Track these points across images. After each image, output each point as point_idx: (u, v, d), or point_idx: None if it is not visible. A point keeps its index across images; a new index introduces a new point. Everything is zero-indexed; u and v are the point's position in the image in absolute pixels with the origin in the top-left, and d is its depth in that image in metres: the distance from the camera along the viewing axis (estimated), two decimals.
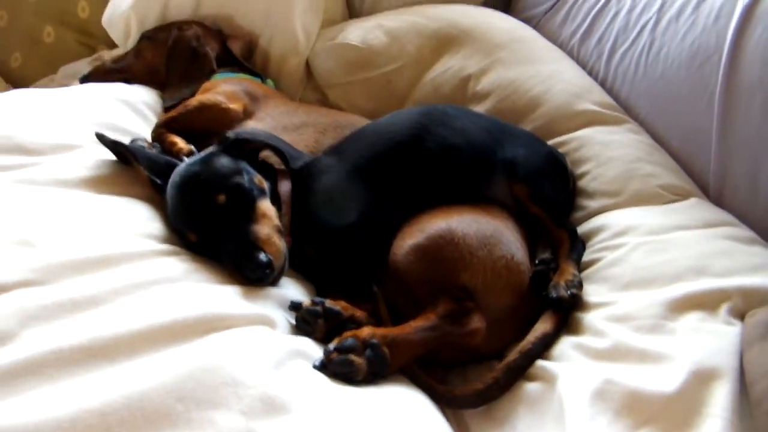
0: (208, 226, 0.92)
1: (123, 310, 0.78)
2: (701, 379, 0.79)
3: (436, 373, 0.94)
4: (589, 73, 1.36)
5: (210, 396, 0.68)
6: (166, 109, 1.39)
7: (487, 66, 1.36)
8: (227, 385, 0.70)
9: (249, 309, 0.83)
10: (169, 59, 1.43)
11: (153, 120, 1.34)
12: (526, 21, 1.53)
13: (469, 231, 0.94)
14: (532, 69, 1.33)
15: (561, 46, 1.44)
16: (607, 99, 1.28)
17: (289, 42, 1.52)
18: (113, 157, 1.10)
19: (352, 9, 1.71)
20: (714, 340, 0.84)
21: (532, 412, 0.84)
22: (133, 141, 1.16)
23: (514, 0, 1.67)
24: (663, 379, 0.79)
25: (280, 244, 0.92)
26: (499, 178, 1.08)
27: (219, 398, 0.68)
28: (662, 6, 1.25)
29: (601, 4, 1.38)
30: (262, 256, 0.87)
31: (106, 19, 1.61)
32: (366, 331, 0.84)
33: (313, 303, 0.88)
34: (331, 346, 0.82)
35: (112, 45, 1.83)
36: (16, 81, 1.92)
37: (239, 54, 1.50)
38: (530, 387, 0.87)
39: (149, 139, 1.23)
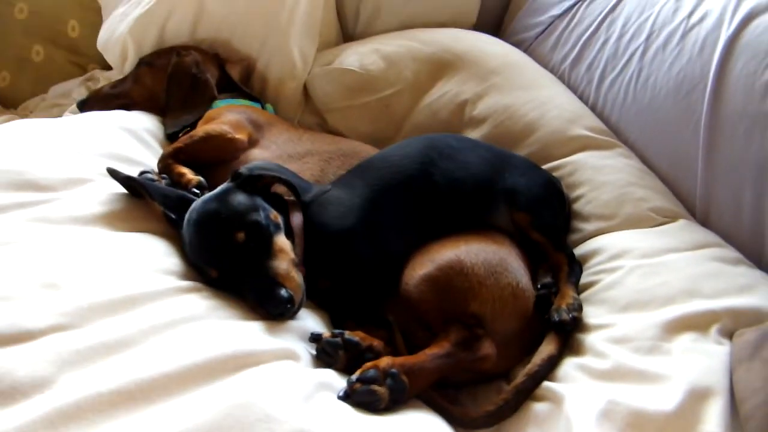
0: (228, 262, 0.96)
1: (155, 351, 0.81)
2: (697, 398, 0.85)
3: (448, 394, 0.99)
4: (580, 98, 1.43)
5: None
6: (168, 136, 1.41)
7: (483, 91, 1.42)
8: (262, 422, 0.74)
9: (274, 344, 0.87)
10: (169, 86, 1.45)
11: (156, 148, 1.37)
12: (517, 44, 1.59)
13: (477, 261, 1.00)
14: (527, 95, 1.39)
15: (552, 70, 1.50)
16: (599, 124, 1.35)
17: (287, 66, 1.55)
18: (124, 191, 1.13)
19: (345, 31, 1.75)
20: (706, 359, 0.91)
21: (541, 431, 0.90)
22: (142, 174, 1.18)
23: (504, 23, 1.72)
24: (662, 399, 0.85)
25: (298, 278, 0.96)
26: (501, 207, 1.13)
27: None
28: (650, 35, 1.31)
29: (590, 31, 1.44)
30: (284, 292, 0.91)
31: (101, 42, 1.62)
32: (385, 361, 0.89)
33: (333, 335, 0.93)
34: (354, 377, 0.86)
35: (104, 64, 1.83)
36: (5, 100, 1.92)
37: (238, 79, 1.53)
38: (538, 407, 0.92)
39: (156, 168, 1.26)
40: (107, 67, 1.83)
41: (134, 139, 1.32)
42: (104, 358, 0.79)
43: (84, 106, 1.51)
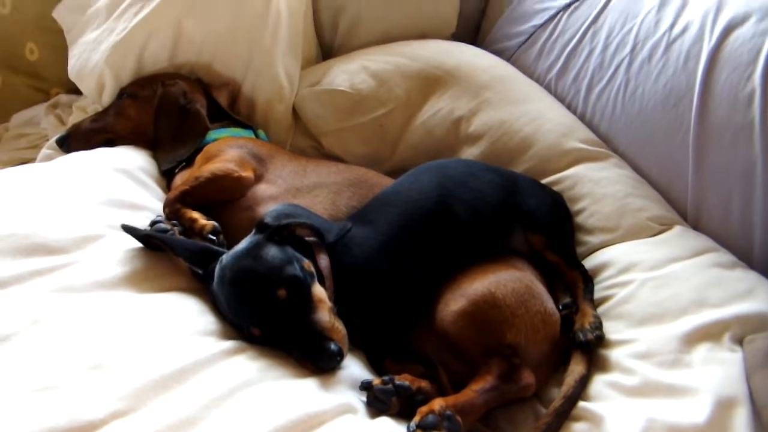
0: (271, 320, 0.96)
1: (220, 426, 0.81)
2: (724, 408, 0.93)
3: (488, 422, 1.04)
4: (568, 108, 1.47)
5: None
6: (163, 173, 1.37)
7: (476, 107, 1.44)
8: None
9: (333, 400, 0.89)
10: (157, 119, 1.40)
11: (154, 187, 1.32)
12: (498, 53, 1.61)
13: (507, 291, 1.03)
14: (519, 109, 1.42)
15: (537, 80, 1.54)
16: (591, 136, 1.40)
17: (274, 87, 1.51)
18: (138, 244, 1.10)
19: (323, 45, 1.72)
20: (725, 369, 0.99)
21: None
22: (153, 224, 1.14)
23: (482, 31, 1.74)
24: (693, 412, 0.93)
25: (342, 328, 0.97)
26: (516, 230, 1.18)
27: None
28: (634, 47, 1.37)
29: (574, 42, 1.48)
30: (333, 346, 0.93)
31: (73, 72, 1.53)
32: (438, 404, 0.92)
33: (384, 382, 0.95)
34: (413, 424, 0.89)
35: (68, 87, 1.74)
36: None
37: (226, 105, 1.49)
38: (577, 427, 0.98)
39: (161, 212, 1.22)
40: (72, 91, 1.74)
41: (131, 181, 1.28)
42: None
43: (64, 143, 1.43)
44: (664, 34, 1.35)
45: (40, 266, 1.01)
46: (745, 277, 1.14)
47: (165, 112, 1.39)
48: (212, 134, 1.39)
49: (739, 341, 1.04)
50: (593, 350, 1.07)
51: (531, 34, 1.58)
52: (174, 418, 0.80)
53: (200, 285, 1.06)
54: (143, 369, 0.86)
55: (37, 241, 1.04)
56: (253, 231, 1.04)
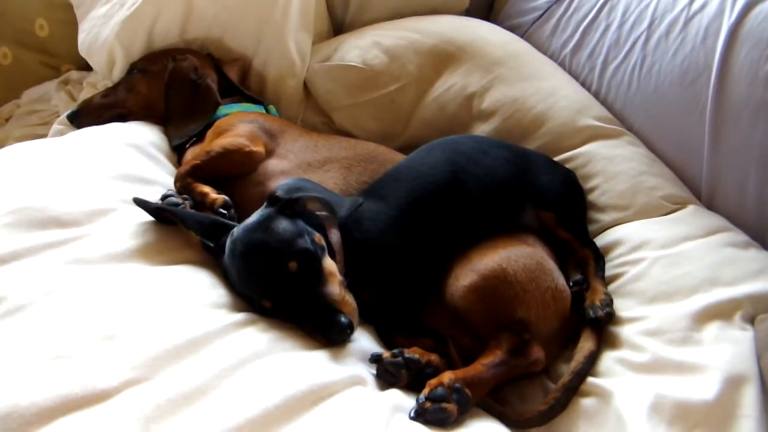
0: (282, 292, 0.96)
1: (232, 395, 0.82)
2: (734, 385, 0.93)
3: (498, 396, 1.04)
4: (582, 85, 1.45)
5: None
6: (174, 148, 1.37)
7: (489, 83, 1.42)
8: None
9: (343, 372, 0.89)
10: (168, 94, 1.39)
11: (165, 162, 1.32)
12: (512, 29, 1.59)
13: (518, 267, 1.03)
14: (533, 86, 1.40)
15: (552, 56, 1.52)
16: (605, 113, 1.39)
17: (285, 63, 1.51)
18: (149, 218, 1.10)
19: (335, 21, 1.71)
20: (735, 347, 0.98)
21: (592, 426, 0.96)
22: (164, 198, 1.14)
23: (496, 8, 1.71)
24: (702, 388, 0.93)
25: (352, 301, 0.97)
26: (527, 206, 1.17)
27: None
28: (651, 23, 1.34)
29: (590, 17, 1.46)
30: (343, 319, 0.93)
31: (83, 47, 1.52)
32: (448, 377, 0.93)
33: (394, 355, 0.95)
34: (423, 396, 0.90)
35: (79, 63, 1.74)
36: None
37: (237, 80, 1.48)
38: (586, 402, 0.99)
39: (172, 187, 1.22)
40: (83, 67, 1.74)
41: (143, 156, 1.28)
42: (186, 409, 0.79)
43: (75, 118, 1.44)
44: (682, 9, 1.32)
45: (53, 239, 1.01)
46: (758, 257, 1.13)
47: (176, 87, 1.39)
48: (223, 109, 1.39)
49: (751, 320, 1.03)
50: (603, 327, 1.07)
51: (546, 10, 1.55)
52: (186, 387, 0.81)
53: (211, 258, 1.06)
54: (155, 339, 0.87)
55: (50, 214, 1.04)
56: (265, 204, 1.04)
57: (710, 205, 1.27)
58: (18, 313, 0.88)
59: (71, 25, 1.64)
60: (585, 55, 1.45)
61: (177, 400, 0.79)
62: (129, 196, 1.10)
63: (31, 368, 0.80)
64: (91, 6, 1.54)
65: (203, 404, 0.80)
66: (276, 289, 0.96)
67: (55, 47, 1.77)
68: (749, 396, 0.92)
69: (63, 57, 1.78)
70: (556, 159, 1.33)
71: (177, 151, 1.37)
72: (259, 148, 1.24)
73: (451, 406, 0.89)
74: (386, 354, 0.96)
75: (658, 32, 1.33)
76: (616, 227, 1.24)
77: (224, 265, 1.02)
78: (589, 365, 1.03)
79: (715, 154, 1.25)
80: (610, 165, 1.29)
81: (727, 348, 0.98)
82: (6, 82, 1.76)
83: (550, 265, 1.08)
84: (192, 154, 1.31)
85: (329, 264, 1.00)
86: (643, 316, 1.06)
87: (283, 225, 0.99)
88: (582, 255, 1.17)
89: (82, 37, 1.53)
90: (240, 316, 0.96)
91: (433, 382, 0.92)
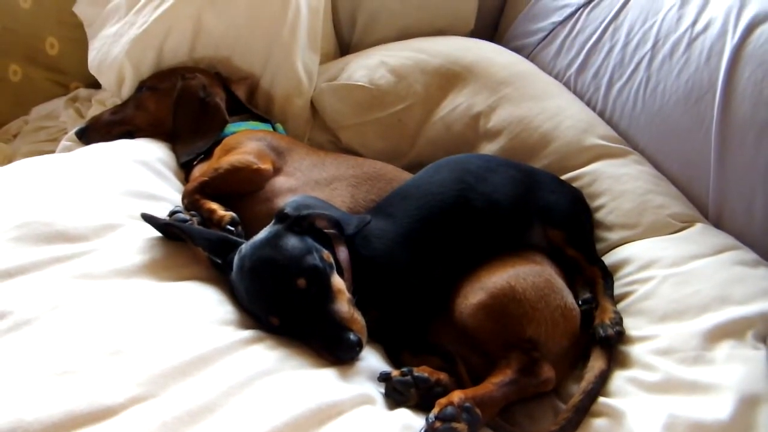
0: (290, 310, 0.95)
1: (240, 414, 0.81)
2: (748, 405, 0.92)
3: (507, 417, 1.03)
4: (588, 105, 1.46)
5: None
6: (182, 165, 1.37)
7: (495, 103, 1.43)
8: None
9: (351, 391, 0.88)
10: (176, 112, 1.40)
11: (172, 179, 1.33)
12: (518, 50, 1.61)
13: (527, 285, 1.03)
14: (539, 105, 1.41)
15: (557, 77, 1.53)
16: (611, 132, 1.39)
17: (292, 82, 1.52)
18: (157, 234, 1.10)
19: (341, 41, 1.73)
20: (748, 366, 0.97)
21: None
22: (172, 214, 1.14)
23: (501, 29, 1.73)
24: (717, 409, 0.92)
25: (361, 319, 0.96)
26: (535, 225, 1.17)
27: None
28: (655, 43, 1.36)
29: (595, 38, 1.47)
30: (352, 337, 0.92)
31: (93, 65, 1.54)
32: (458, 396, 0.91)
33: (403, 373, 0.94)
34: (432, 416, 0.88)
35: (88, 81, 1.75)
36: None
37: (245, 99, 1.49)
38: (598, 423, 0.97)
39: (180, 203, 1.22)
40: (91, 85, 1.75)
41: (150, 172, 1.28)
42: (193, 427, 0.78)
43: (83, 135, 1.44)
44: (686, 30, 1.33)
45: (60, 253, 1.01)
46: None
47: (184, 104, 1.40)
48: (231, 127, 1.39)
49: (763, 339, 1.03)
50: (613, 346, 1.06)
51: (550, 31, 1.57)
52: (193, 404, 0.80)
53: (219, 274, 1.06)
54: (162, 356, 0.86)
55: (57, 229, 1.04)
56: (273, 221, 1.04)
57: (718, 224, 1.27)
58: (24, 328, 0.87)
59: (81, 44, 1.66)
60: (590, 75, 1.47)
61: (184, 418, 0.78)
62: (137, 212, 1.10)
63: (36, 383, 0.79)
64: (102, 25, 1.56)
65: (210, 422, 0.79)
66: (284, 306, 0.95)
67: (65, 65, 1.78)
68: (764, 416, 0.91)
69: (72, 75, 1.79)
70: (562, 178, 1.33)
71: (184, 168, 1.37)
72: (266, 166, 1.25)
73: (462, 426, 0.88)
74: (395, 372, 0.95)
75: (662, 52, 1.34)
76: (624, 246, 1.23)
77: (232, 281, 1.02)
78: (600, 385, 1.01)
79: (722, 173, 1.25)
80: (617, 184, 1.30)
81: (740, 367, 0.97)
82: (15, 99, 1.78)
83: (559, 283, 1.08)
84: (200, 171, 1.31)
85: (338, 281, 1.00)
86: (654, 335, 1.05)
87: (292, 242, 0.99)
88: (590, 273, 1.16)
89: (92, 55, 1.55)
90: (247, 333, 0.95)
91: (443, 401, 0.90)
